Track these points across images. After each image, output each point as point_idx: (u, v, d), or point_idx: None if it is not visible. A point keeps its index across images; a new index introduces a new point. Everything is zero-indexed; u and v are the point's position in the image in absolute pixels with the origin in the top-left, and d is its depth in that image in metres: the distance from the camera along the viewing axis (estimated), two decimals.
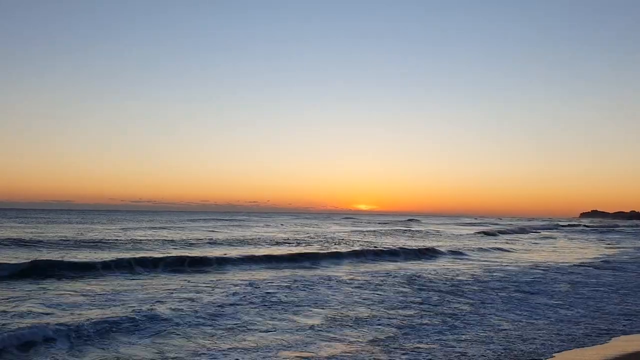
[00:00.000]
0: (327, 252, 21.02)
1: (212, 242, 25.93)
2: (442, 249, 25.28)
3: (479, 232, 47.10)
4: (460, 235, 42.52)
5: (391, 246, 25.77)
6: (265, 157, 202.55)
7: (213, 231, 37.23)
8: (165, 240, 26.26)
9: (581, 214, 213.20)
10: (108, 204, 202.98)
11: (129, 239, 26.32)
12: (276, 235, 33.21)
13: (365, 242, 29.67)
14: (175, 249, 21.69)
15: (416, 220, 77.79)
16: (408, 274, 15.21)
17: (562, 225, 76.06)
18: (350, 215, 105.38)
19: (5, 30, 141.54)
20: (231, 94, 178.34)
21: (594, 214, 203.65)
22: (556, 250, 28.42)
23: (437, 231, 47.87)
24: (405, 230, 46.91)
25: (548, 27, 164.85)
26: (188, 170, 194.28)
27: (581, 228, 68.58)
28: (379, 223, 64.68)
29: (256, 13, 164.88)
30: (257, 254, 19.54)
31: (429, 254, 23.24)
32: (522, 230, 54.02)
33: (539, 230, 58.00)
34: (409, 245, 26.62)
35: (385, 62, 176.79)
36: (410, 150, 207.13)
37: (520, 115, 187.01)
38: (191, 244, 24.27)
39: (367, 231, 41.70)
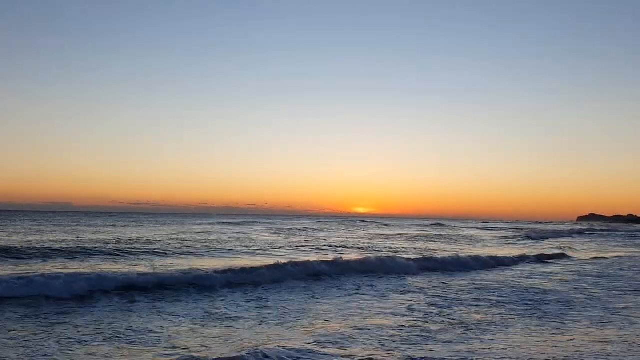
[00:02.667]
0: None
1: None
2: (530, 255, 25.72)
3: (518, 236, 47.77)
4: (511, 238, 43.22)
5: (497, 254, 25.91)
6: (264, 160, 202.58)
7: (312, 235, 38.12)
8: (294, 244, 26.98)
9: (578, 217, 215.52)
10: (108, 206, 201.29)
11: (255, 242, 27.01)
12: (373, 241, 33.53)
13: (442, 250, 29.87)
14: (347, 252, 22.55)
15: (441, 224, 78.11)
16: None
17: (598, 230, 76.86)
18: (364, 219, 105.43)
19: (7, 32, 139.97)
20: (229, 98, 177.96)
21: (591, 217, 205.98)
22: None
23: (479, 237, 48.13)
24: (451, 235, 47.17)
25: (547, 29, 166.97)
26: (187, 172, 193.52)
27: (605, 232, 69.43)
28: (411, 227, 64.87)
29: (257, 19, 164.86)
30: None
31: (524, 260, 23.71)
32: (559, 234, 55.01)
33: (572, 235, 58.66)
34: (502, 254, 26.90)
35: (383, 65, 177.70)
36: (409, 154, 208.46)
37: (518, 119, 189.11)
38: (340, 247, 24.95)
39: (420, 236, 41.85)
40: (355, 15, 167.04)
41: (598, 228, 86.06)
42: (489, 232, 57.91)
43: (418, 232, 48.74)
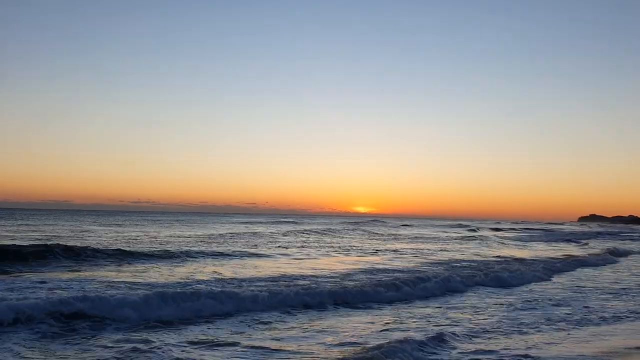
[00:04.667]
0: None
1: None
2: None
3: (558, 239, 47.81)
4: (559, 241, 43.19)
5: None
6: (264, 159, 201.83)
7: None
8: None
9: (579, 218, 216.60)
10: (107, 204, 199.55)
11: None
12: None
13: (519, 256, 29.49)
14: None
15: (463, 225, 77.71)
16: None
17: (619, 232, 76.73)
18: (375, 219, 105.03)
19: (5, 30, 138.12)
20: (229, 96, 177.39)
21: (592, 218, 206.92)
22: None
23: (522, 240, 47.31)
24: (489, 237, 46.80)
25: (545, 29, 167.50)
26: (186, 171, 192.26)
27: (627, 234, 69.37)
28: (445, 229, 64.23)
29: (256, 16, 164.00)
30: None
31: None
32: (590, 236, 55.32)
33: (599, 237, 58.59)
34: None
35: (383, 65, 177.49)
36: (409, 153, 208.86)
37: (519, 120, 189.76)
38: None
39: (477, 238, 41.51)
40: (358, 14, 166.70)
41: (617, 230, 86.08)
42: (519, 234, 57.57)
43: (466, 234, 48.54)
